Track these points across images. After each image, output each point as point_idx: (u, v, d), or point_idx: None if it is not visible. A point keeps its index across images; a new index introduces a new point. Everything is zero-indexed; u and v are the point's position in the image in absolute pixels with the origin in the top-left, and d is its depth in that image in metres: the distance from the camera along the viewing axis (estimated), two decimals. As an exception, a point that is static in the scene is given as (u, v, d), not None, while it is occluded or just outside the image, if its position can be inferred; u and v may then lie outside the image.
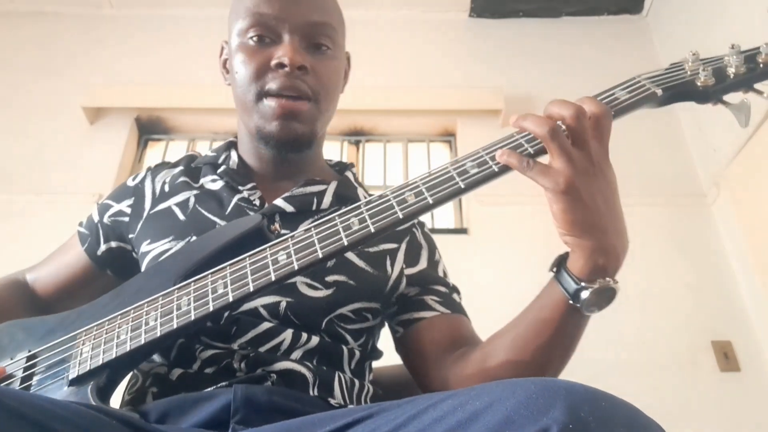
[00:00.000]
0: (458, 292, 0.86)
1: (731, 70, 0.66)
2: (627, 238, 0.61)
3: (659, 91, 0.65)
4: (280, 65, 0.77)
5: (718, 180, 2.49)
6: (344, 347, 0.76)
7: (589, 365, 2.11)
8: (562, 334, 0.64)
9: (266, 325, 0.71)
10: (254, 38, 0.79)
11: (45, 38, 3.05)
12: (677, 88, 0.66)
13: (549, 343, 0.64)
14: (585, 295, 0.59)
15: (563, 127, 0.58)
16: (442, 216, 2.68)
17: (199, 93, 2.73)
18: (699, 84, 0.66)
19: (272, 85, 0.77)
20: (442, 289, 0.83)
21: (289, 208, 0.80)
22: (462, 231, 2.54)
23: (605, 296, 0.60)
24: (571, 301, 0.61)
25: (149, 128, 2.95)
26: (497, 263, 2.37)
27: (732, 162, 2.39)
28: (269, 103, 0.77)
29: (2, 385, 0.67)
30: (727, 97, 0.67)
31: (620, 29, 3.07)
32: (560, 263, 0.63)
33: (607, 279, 0.59)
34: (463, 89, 2.84)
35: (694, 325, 2.30)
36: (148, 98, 2.85)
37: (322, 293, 0.75)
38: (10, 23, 3.09)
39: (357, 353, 0.78)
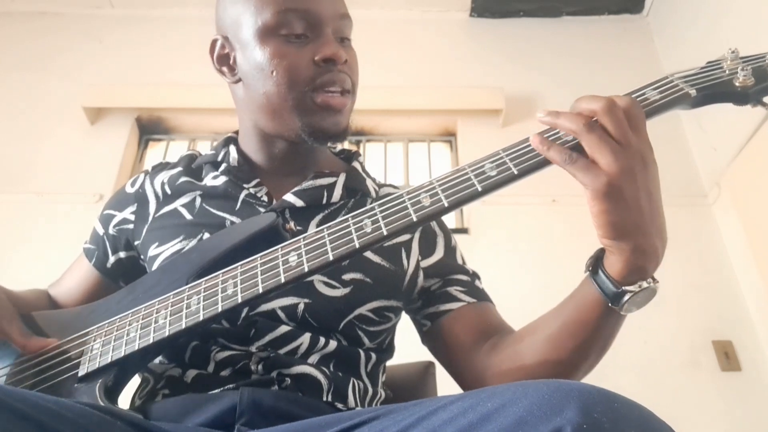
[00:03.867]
0: (479, 278, 0.85)
1: None
2: (666, 234, 0.58)
3: (693, 92, 0.61)
4: (331, 61, 0.75)
5: (719, 180, 2.49)
6: (361, 351, 0.76)
7: (590, 365, 2.11)
8: (598, 335, 0.63)
9: (284, 328, 0.71)
10: (290, 34, 0.76)
11: (45, 38, 3.05)
12: (713, 89, 0.61)
13: (585, 344, 0.63)
14: (626, 298, 0.57)
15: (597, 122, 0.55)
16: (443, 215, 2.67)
17: (200, 93, 2.72)
18: (737, 84, 0.61)
19: (322, 81, 0.75)
20: (464, 277, 0.82)
21: (299, 203, 0.79)
22: (462, 231, 2.54)
23: (645, 297, 0.58)
24: (610, 304, 0.59)
25: (150, 128, 2.95)
26: (497, 263, 2.37)
27: (733, 162, 2.39)
28: (319, 100, 0.76)
29: (9, 382, 0.68)
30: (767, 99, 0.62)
31: (621, 29, 3.06)
32: (596, 263, 0.60)
33: (648, 281, 0.57)
34: (464, 89, 2.83)
35: (695, 325, 2.30)
36: (149, 98, 2.84)
37: (340, 292, 0.74)
38: (10, 23, 3.09)
39: (373, 356, 0.77)
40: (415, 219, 0.59)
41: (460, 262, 0.85)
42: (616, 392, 0.43)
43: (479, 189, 0.58)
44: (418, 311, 0.82)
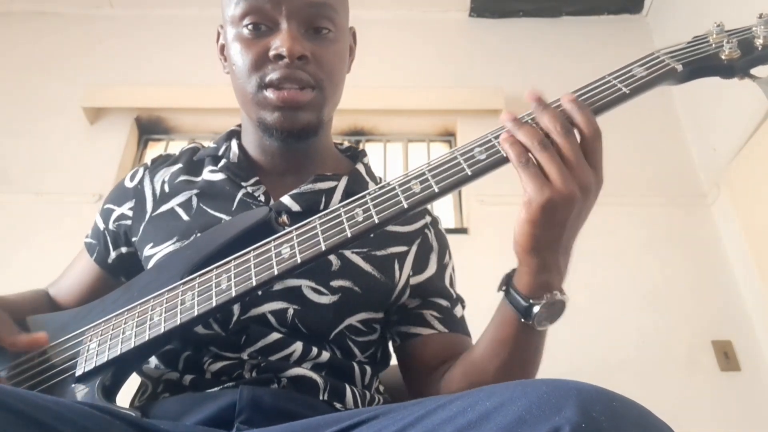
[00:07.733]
0: (461, 303, 0.84)
1: (759, 42, 0.61)
2: (571, 252, 0.60)
3: (679, 67, 0.61)
4: (279, 56, 0.72)
5: (718, 180, 2.49)
6: (354, 364, 0.75)
7: (590, 365, 2.11)
8: (519, 352, 0.64)
9: (276, 335, 0.70)
10: (249, 26, 0.74)
11: (45, 38, 3.05)
12: (699, 63, 0.61)
13: (507, 362, 0.64)
14: (535, 311, 0.59)
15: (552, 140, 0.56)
16: (442, 216, 2.67)
17: (199, 93, 2.72)
18: (724, 57, 0.61)
19: (272, 76, 0.73)
20: (444, 302, 0.81)
21: (296, 207, 0.77)
22: (462, 231, 2.54)
23: (555, 309, 0.60)
24: (522, 319, 0.61)
25: (149, 128, 2.95)
26: (497, 263, 2.35)
27: (732, 162, 2.39)
28: (269, 95, 0.73)
29: (8, 383, 0.68)
30: (755, 71, 0.62)
31: (620, 29, 3.06)
32: (508, 281, 0.62)
33: (554, 292, 0.59)
34: (463, 89, 2.83)
35: (694, 325, 2.30)
36: (148, 98, 2.84)
37: (328, 299, 0.73)
38: (10, 23, 3.09)
39: (368, 369, 0.77)
40: (406, 206, 0.59)
41: (447, 283, 0.83)
42: (615, 391, 0.43)
43: (469, 173, 0.58)
44: (392, 325, 0.81)
